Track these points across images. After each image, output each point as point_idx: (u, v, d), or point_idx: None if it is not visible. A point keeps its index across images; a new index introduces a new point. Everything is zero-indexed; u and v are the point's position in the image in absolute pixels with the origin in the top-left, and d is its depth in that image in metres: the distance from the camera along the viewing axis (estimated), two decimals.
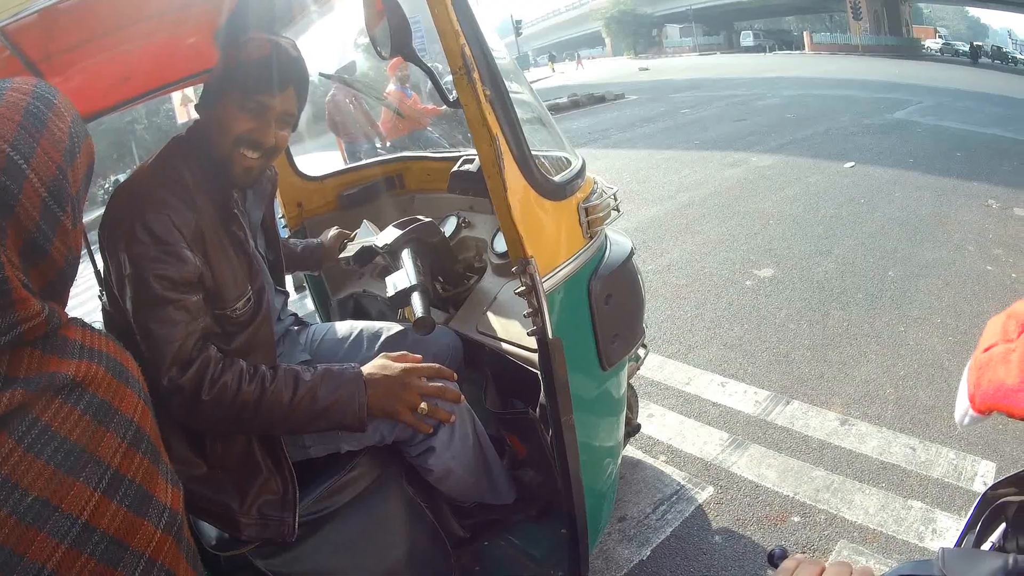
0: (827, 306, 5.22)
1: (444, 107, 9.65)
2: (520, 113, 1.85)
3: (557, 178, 2.02)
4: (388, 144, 8.81)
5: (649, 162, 11.36)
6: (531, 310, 1.84)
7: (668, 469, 3.46)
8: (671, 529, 3.05)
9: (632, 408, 3.30)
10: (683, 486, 3.33)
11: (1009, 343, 1.03)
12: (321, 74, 4.31)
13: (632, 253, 2.42)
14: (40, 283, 1.07)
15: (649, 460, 3.54)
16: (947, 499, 3.08)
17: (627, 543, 3.00)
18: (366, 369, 1.96)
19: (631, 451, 3.56)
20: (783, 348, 4.59)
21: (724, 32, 75.64)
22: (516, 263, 1.81)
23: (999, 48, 53.33)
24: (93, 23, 1.94)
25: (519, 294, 1.85)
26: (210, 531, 1.97)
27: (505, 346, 2.38)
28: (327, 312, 3.57)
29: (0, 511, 0.93)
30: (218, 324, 1.90)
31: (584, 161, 2.30)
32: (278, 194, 2.76)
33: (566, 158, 2.36)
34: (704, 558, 2.92)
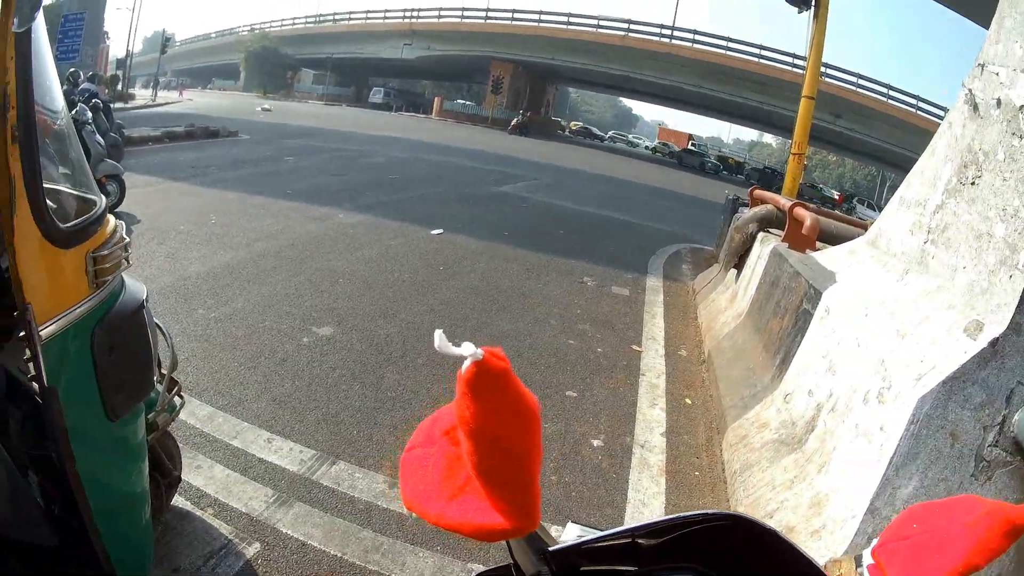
0: (383, 369, 5.39)
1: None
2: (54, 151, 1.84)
3: (67, 226, 2.00)
4: None
5: (238, 206, 11.20)
6: (28, 356, 1.82)
7: (216, 523, 3.43)
8: None
9: (173, 459, 3.25)
10: (231, 541, 3.31)
11: (429, 447, 1.06)
12: None
13: (143, 304, 2.42)
14: None
15: (198, 512, 3.50)
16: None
17: None
18: None
19: (180, 501, 3.49)
20: (333, 408, 4.67)
21: (355, 85, 77.18)
22: (18, 308, 1.79)
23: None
24: None
25: (20, 339, 1.82)
26: None
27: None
28: None
29: None
30: None
31: (104, 208, 2.28)
32: None
33: (93, 200, 2.31)
34: None
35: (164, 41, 44.93)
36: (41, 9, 1.78)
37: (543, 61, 58.74)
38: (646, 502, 4.07)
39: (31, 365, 1.84)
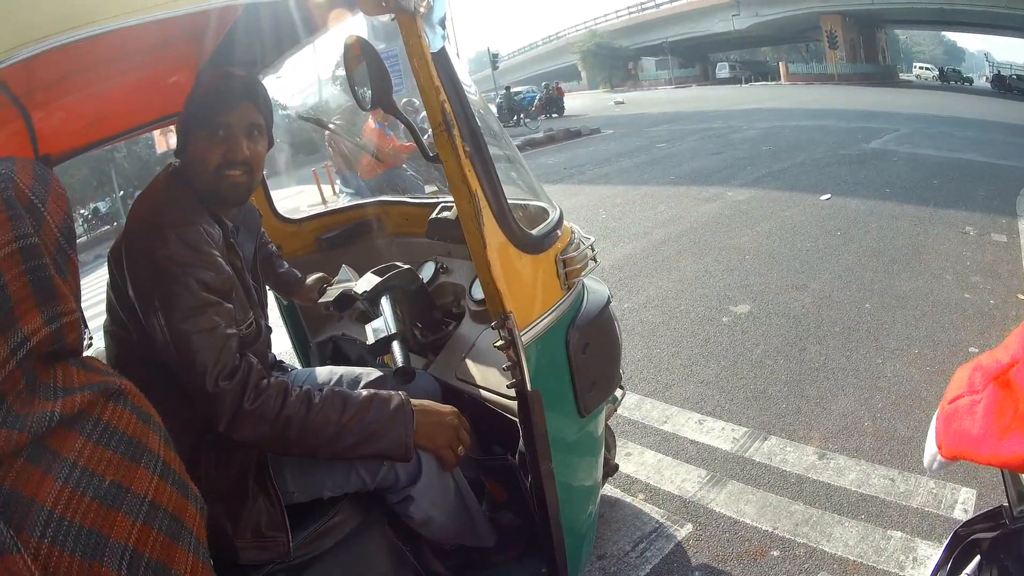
0: (804, 341, 5.24)
1: None
2: (497, 162, 1.88)
3: (535, 231, 2.04)
4: (363, 182, 8.81)
5: (625, 198, 11.40)
6: (510, 363, 1.85)
7: (647, 507, 3.46)
8: (651, 566, 3.05)
9: (610, 448, 3.33)
10: (662, 524, 3.32)
11: (975, 395, 1.10)
12: (299, 116, 4.36)
13: (609, 301, 2.44)
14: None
15: (628, 499, 3.54)
16: (927, 528, 3.10)
17: None
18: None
19: (609, 490, 3.55)
20: (760, 384, 4.59)
21: (700, 64, 76.10)
22: (495, 318, 1.83)
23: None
24: (74, 59, 1.95)
25: (498, 347, 1.86)
26: None
27: (484, 393, 2.39)
28: (306, 354, 3.51)
29: (84, 498, 1.04)
30: None
31: (561, 212, 2.32)
32: None
33: (543, 208, 2.37)
34: None
35: (493, 57, 45.97)
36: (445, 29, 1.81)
37: (863, 8, 54.46)
38: None
39: (513, 372, 1.88)
